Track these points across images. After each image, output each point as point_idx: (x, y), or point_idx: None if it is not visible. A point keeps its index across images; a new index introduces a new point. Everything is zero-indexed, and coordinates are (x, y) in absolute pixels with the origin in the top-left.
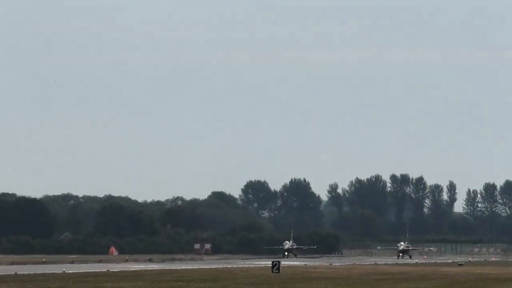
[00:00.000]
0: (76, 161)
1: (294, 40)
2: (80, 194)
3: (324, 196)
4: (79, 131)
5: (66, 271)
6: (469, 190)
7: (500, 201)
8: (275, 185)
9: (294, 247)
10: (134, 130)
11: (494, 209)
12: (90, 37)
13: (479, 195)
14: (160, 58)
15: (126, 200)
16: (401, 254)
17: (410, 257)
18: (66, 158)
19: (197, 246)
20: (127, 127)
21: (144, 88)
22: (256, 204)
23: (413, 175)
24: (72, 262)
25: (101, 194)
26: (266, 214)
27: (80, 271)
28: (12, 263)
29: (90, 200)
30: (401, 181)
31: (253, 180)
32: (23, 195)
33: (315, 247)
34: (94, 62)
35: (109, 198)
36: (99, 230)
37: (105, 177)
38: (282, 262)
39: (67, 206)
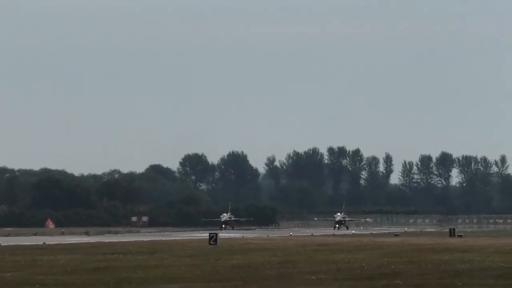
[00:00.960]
0: (11, 134)
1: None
2: (16, 168)
3: (261, 169)
4: (13, 104)
5: (1, 244)
6: (405, 162)
7: (435, 172)
8: (213, 158)
9: (232, 219)
10: (70, 103)
11: (430, 180)
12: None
13: (415, 167)
14: (96, 31)
15: (62, 173)
16: (337, 225)
17: (347, 228)
18: (1, 132)
19: (134, 219)
20: (63, 100)
21: (79, 60)
22: (193, 177)
23: (350, 147)
24: (8, 235)
25: (37, 167)
26: (204, 187)
27: (16, 243)
28: None
29: (26, 173)
30: (338, 153)
31: (190, 153)
32: None
33: (252, 219)
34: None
35: (45, 171)
36: (35, 203)
37: (41, 150)
38: (220, 234)
39: (2, 179)
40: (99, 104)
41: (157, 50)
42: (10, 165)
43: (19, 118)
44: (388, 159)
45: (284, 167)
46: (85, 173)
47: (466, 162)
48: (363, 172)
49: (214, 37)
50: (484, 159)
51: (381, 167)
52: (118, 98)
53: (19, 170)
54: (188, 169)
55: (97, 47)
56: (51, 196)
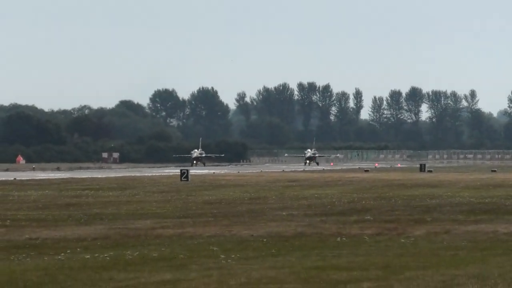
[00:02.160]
0: None
1: None
2: None
3: (232, 105)
4: None
5: None
6: (375, 97)
7: (405, 107)
8: (183, 94)
9: (203, 155)
10: (40, 37)
11: (400, 115)
12: None
13: (385, 102)
14: None
15: (33, 109)
16: (308, 161)
17: (317, 164)
18: None
19: (104, 155)
20: (33, 33)
21: None
22: (164, 113)
23: (320, 83)
24: None
25: (6, 102)
26: (174, 123)
27: None
28: None
29: None
30: (308, 89)
31: (161, 88)
32: None
33: (223, 155)
34: None
35: (15, 107)
36: (6, 139)
37: (10, 85)
38: (191, 171)
39: None
40: (69, 38)
41: None
42: None
43: None
44: (358, 95)
45: (255, 103)
46: (55, 108)
47: (436, 97)
48: (333, 108)
49: None
50: (454, 94)
51: (351, 103)
52: (89, 33)
53: None
54: (159, 105)
55: None
56: (21, 131)
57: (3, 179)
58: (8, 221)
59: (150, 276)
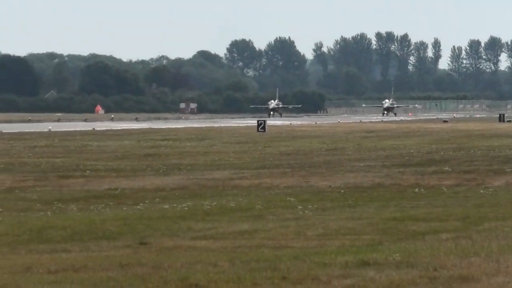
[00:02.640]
0: (60, 19)
1: None
2: (65, 53)
3: (309, 55)
4: None
5: (52, 130)
6: (453, 47)
7: (484, 57)
8: (260, 44)
9: (280, 106)
10: None
11: (479, 65)
12: None
13: (463, 52)
14: None
15: (111, 59)
16: (386, 112)
17: (395, 114)
18: (51, 17)
19: (182, 105)
20: None
21: None
22: (241, 63)
23: (398, 32)
24: (58, 120)
25: (85, 52)
26: (251, 73)
27: (66, 129)
28: None
29: (74, 58)
30: (386, 38)
31: (238, 39)
32: (8, 53)
33: (300, 106)
34: None
35: (94, 56)
36: (85, 88)
37: (89, 35)
38: (268, 121)
39: (52, 64)
40: None
41: None
42: (59, 50)
43: (66, 4)
44: (436, 44)
45: (332, 53)
46: (133, 59)
47: None
48: (412, 58)
49: None
50: None
51: (430, 53)
52: None
53: (68, 55)
54: (236, 55)
55: None
56: (100, 81)
57: (82, 129)
58: (88, 171)
59: (228, 226)
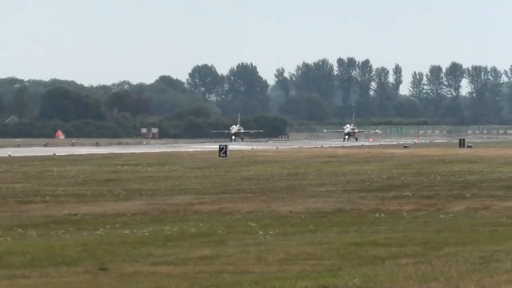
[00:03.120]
0: (21, 44)
1: None
2: (26, 78)
3: (271, 80)
4: (23, 15)
5: (11, 155)
6: (415, 73)
7: (445, 83)
8: (222, 69)
9: (241, 131)
10: (79, 12)
11: (440, 91)
12: None
13: (424, 77)
14: None
15: (72, 84)
16: (347, 137)
17: (356, 139)
18: (12, 42)
19: (144, 130)
20: (72, 9)
21: None
22: (203, 89)
23: (359, 58)
24: (18, 146)
25: (46, 78)
26: (213, 98)
27: (26, 154)
28: None
29: (35, 84)
30: (348, 64)
31: (200, 64)
32: None
33: (262, 131)
34: None
35: (55, 82)
36: (45, 113)
37: (51, 61)
38: (229, 146)
39: (12, 89)
40: (108, 14)
41: None
42: (20, 76)
43: (28, 28)
44: (397, 70)
45: (294, 79)
46: (95, 84)
47: (476, 72)
48: (373, 83)
49: None
50: (494, 69)
51: (391, 78)
52: (128, 8)
53: (29, 81)
54: (198, 80)
55: None
56: (61, 106)
57: (43, 154)
58: (48, 196)
59: (189, 251)
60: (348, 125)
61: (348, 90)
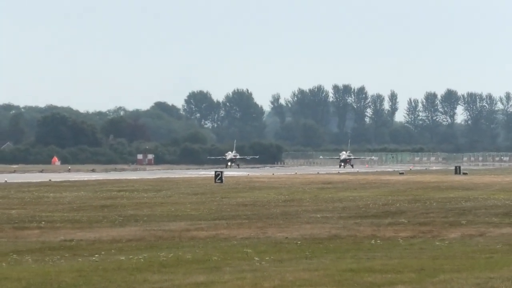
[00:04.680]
0: (17, 71)
1: None
2: (22, 104)
3: (267, 107)
4: (18, 41)
5: (7, 181)
6: (410, 100)
7: (441, 110)
8: (218, 96)
9: (237, 157)
10: (75, 38)
11: (435, 118)
12: None
13: (420, 104)
14: None
15: (68, 110)
16: (342, 163)
17: (352, 166)
18: (7, 68)
19: (139, 156)
20: (68, 37)
21: None
22: (198, 115)
23: (355, 85)
24: (14, 172)
25: (42, 104)
26: (209, 124)
27: (22, 180)
28: None
29: (31, 110)
30: (343, 91)
31: (195, 90)
32: None
33: (257, 157)
34: None
35: (51, 108)
36: (41, 140)
37: (46, 87)
38: (225, 173)
39: (8, 116)
40: (104, 41)
41: None
42: (15, 102)
43: (24, 55)
44: (393, 97)
45: (289, 105)
46: (91, 110)
47: (471, 99)
48: (368, 110)
49: None
50: (489, 96)
51: (386, 105)
52: (123, 35)
53: (24, 107)
54: (193, 106)
55: None
56: (56, 133)
57: (38, 180)
58: (43, 222)
59: (184, 278)
60: (344, 152)
61: (343, 116)
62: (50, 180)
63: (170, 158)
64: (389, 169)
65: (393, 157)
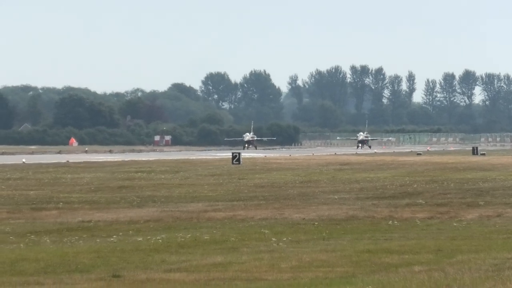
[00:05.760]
0: (35, 52)
1: None
2: (39, 85)
3: (284, 88)
4: (36, 23)
5: (25, 162)
6: (428, 80)
7: (458, 90)
8: (236, 77)
9: (254, 138)
10: (93, 21)
11: (453, 98)
12: None
13: (438, 85)
14: None
15: (85, 91)
16: (360, 144)
17: (369, 147)
18: (25, 49)
19: (157, 137)
20: (86, 19)
21: None
22: (216, 96)
23: (373, 65)
24: (32, 153)
25: (60, 85)
26: (226, 106)
27: (40, 162)
28: None
29: (49, 91)
30: (361, 72)
31: (213, 71)
32: None
33: (275, 138)
34: None
35: (68, 89)
36: (59, 121)
37: (64, 68)
38: (242, 154)
39: (26, 97)
40: (123, 22)
41: None
42: (33, 83)
43: (42, 36)
44: (411, 78)
45: (307, 86)
46: (108, 91)
47: (489, 80)
48: (386, 91)
49: None
50: (507, 77)
51: (404, 86)
52: (141, 17)
53: (42, 88)
54: (211, 87)
55: None
56: (74, 114)
57: (56, 161)
58: (61, 203)
59: (202, 258)
60: (361, 133)
61: (361, 97)
62: (67, 161)
63: (187, 139)
64: (407, 150)
65: (410, 138)
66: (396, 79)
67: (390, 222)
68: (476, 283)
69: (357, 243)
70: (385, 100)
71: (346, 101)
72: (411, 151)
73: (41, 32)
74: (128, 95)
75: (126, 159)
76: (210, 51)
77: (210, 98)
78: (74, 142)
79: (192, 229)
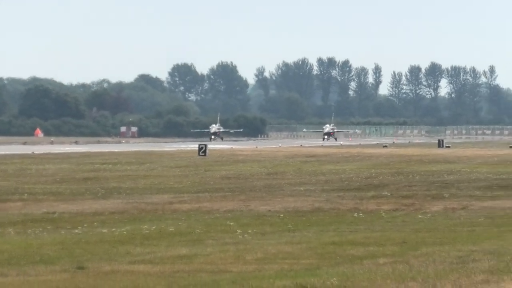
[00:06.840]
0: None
1: None
2: (5, 76)
3: (251, 80)
4: (2, 12)
5: None
6: (394, 73)
7: (424, 83)
8: (202, 68)
9: (221, 130)
10: (59, 10)
11: (419, 91)
12: None
13: (404, 78)
14: None
15: (51, 82)
16: (326, 137)
17: (336, 139)
18: None
19: (123, 129)
20: (51, 7)
21: None
22: (182, 88)
23: (339, 58)
24: None
25: (25, 76)
26: (193, 97)
27: (5, 153)
28: None
29: (14, 82)
30: (327, 64)
31: (180, 63)
32: None
33: (241, 130)
34: None
35: (34, 80)
36: (24, 112)
37: (30, 59)
38: (209, 146)
39: None
40: (88, 11)
41: None
42: None
43: (8, 26)
44: (377, 70)
45: (274, 78)
46: (74, 82)
47: (455, 73)
48: (352, 83)
49: None
50: (473, 70)
51: (370, 78)
52: (107, 7)
53: (7, 79)
54: (177, 79)
55: None
56: (40, 105)
57: (21, 152)
58: (26, 194)
59: (167, 250)
60: (327, 125)
61: (327, 89)
62: (33, 152)
63: (153, 131)
64: (373, 142)
65: (376, 130)
66: (363, 72)
67: (356, 214)
68: (441, 275)
69: (322, 235)
70: (351, 92)
71: (313, 93)
72: (377, 143)
73: (5, 22)
74: (94, 86)
75: (91, 151)
76: (177, 42)
77: (176, 90)
78: (39, 133)
79: (157, 221)
